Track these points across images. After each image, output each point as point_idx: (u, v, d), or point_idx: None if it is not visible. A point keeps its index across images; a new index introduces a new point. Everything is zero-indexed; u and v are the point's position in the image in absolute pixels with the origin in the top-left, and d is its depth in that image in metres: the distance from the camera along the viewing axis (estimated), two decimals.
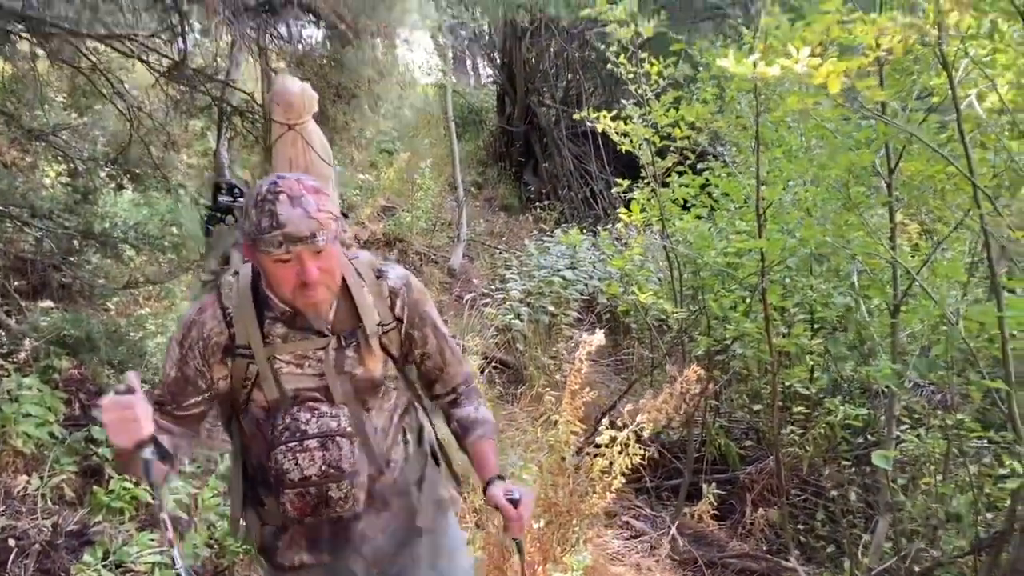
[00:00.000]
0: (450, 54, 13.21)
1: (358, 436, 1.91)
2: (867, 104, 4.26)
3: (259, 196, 1.74)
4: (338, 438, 1.87)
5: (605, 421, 3.39)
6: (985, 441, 4.37)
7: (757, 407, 5.64)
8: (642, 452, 3.25)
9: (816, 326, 5.32)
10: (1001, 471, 4.14)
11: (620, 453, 3.20)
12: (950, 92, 3.91)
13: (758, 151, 4.51)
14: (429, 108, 13.12)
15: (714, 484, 4.95)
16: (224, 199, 2.24)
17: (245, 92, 4.82)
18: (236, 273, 1.93)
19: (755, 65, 3.46)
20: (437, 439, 2.19)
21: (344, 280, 1.90)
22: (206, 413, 1.95)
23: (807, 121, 4.95)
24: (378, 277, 1.97)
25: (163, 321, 4.98)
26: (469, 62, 15.74)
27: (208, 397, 1.91)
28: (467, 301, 7.88)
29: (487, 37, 13.38)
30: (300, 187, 1.74)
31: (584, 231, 8.43)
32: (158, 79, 4.45)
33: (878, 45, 3.78)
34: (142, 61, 4.43)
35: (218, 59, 5.17)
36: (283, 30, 4.46)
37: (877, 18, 3.76)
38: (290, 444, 1.85)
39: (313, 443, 1.85)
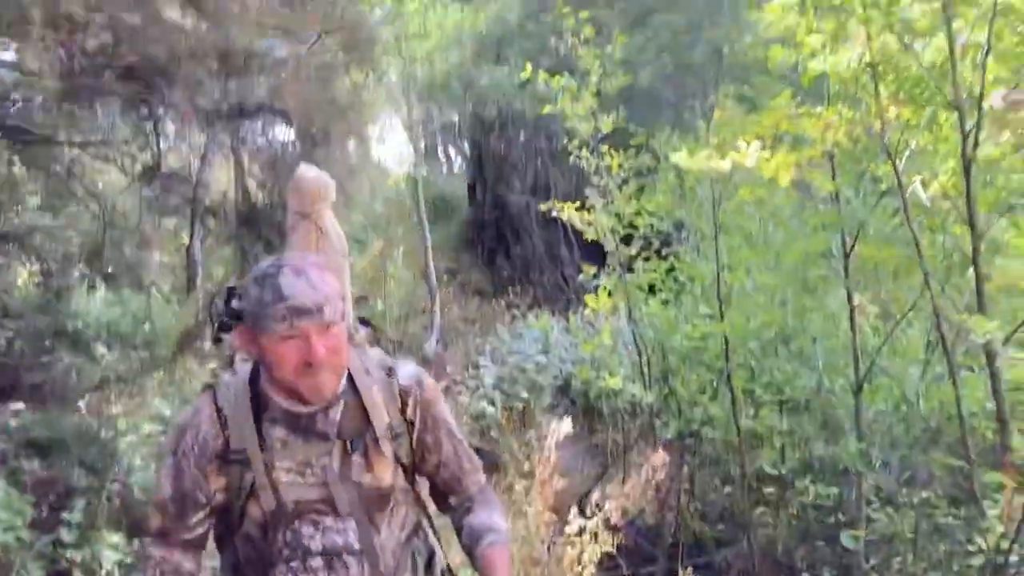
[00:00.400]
0: (422, 145, 13.50)
1: (367, 555, 1.71)
2: (819, 192, 4.45)
3: (260, 273, 1.62)
4: (346, 556, 1.68)
5: (574, 509, 3.43)
6: (951, 518, 4.42)
7: (729, 489, 5.67)
8: (612, 540, 3.27)
9: (786, 407, 5.40)
10: (970, 547, 4.19)
11: (590, 541, 3.22)
12: (896, 180, 4.10)
13: (717, 238, 4.66)
14: (401, 197, 13.32)
15: (690, 569, 4.92)
16: (238, 305, 2.07)
17: (216, 192, 4.94)
18: (235, 372, 1.76)
19: (708, 159, 3.63)
20: (448, 566, 1.97)
21: (351, 377, 1.73)
22: (208, 535, 1.75)
23: (764, 209, 5.13)
24: (388, 375, 1.78)
25: (135, 420, 4.97)
26: (441, 151, 16.06)
27: (209, 514, 1.71)
28: (441, 389, 7.90)
29: (457, 128, 13.72)
30: (305, 263, 1.63)
31: (556, 315, 8.55)
32: (132, 182, 4.56)
33: (825, 138, 3.98)
34: (116, 165, 4.55)
35: (192, 160, 5.30)
36: (255, 133, 4.60)
37: (823, 112, 3.97)
38: (291, 563, 1.67)
39: (317, 562, 1.67)
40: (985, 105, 3.68)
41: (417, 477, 1.88)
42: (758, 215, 5.37)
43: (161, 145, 4.62)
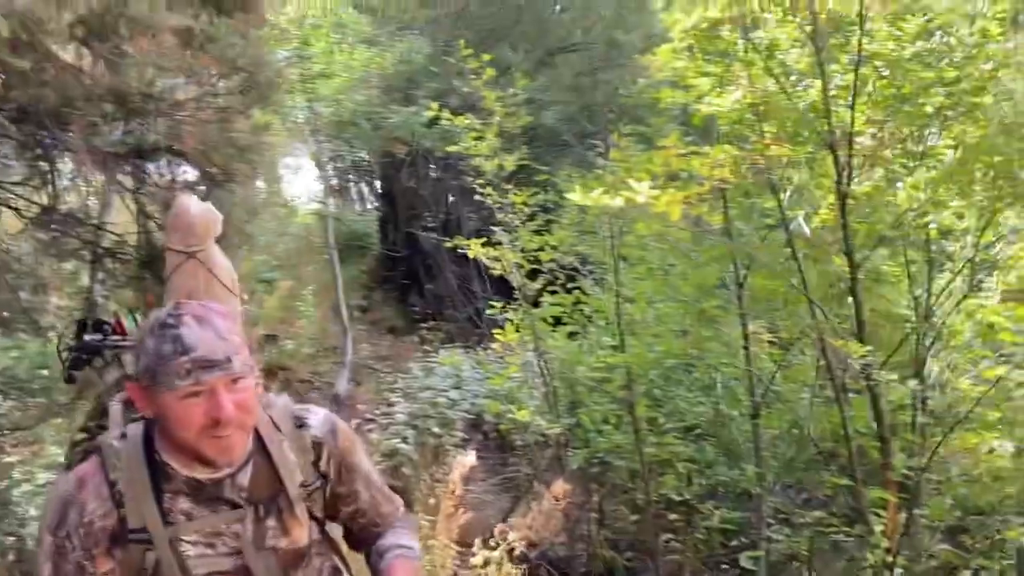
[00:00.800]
0: (332, 182, 13.47)
1: None
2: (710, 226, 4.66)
3: (157, 322, 1.45)
4: None
5: (478, 542, 3.48)
6: (844, 535, 4.63)
7: (637, 517, 5.79)
8: (518, 571, 3.33)
9: (690, 433, 5.57)
10: (863, 563, 4.39)
11: (496, 573, 3.27)
12: (781, 214, 4.33)
13: (616, 271, 4.82)
14: (311, 235, 13.24)
15: None
16: (91, 338, 1.90)
17: (116, 234, 4.86)
18: (123, 435, 1.55)
19: (602, 196, 3.77)
20: None
21: (258, 434, 1.57)
22: None
23: (663, 242, 5.33)
24: (299, 427, 1.63)
25: (30, 469, 4.81)
26: (351, 189, 16.04)
27: None
28: (352, 427, 7.84)
29: (367, 166, 13.74)
30: (206, 310, 1.48)
31: (469, 350, 8.60)
32: (27, 224, 4.45)
33: (714, 175, 4.18)
34: (10, 208, 4.43)
35: (91, 200, 5.19)
36: (155, 174, 4.55)
37: (711, 151, 4.18)
38: None
39: None
40: (857, 143, 3.95)
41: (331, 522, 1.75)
42: (658, 248, 5.57)
43: (58, 187, 4.52)
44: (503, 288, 9.96)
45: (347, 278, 11.99)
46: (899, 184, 4.08)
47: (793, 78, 4.21)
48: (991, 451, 3.75)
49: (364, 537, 1.77)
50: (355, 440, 1.72)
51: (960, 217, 4.42)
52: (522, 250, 5.59)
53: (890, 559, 3.74)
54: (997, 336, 3.41)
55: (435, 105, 6.06)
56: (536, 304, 5.92)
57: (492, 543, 3.40)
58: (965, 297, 4.24)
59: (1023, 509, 3.67)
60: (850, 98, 3.81)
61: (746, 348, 4.77)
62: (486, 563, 3.32)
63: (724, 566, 5.34)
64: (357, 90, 9.39)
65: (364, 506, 1.72)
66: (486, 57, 5.59)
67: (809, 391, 4.73)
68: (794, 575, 4.90)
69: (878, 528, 3.94)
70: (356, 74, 9.26)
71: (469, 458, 3.51)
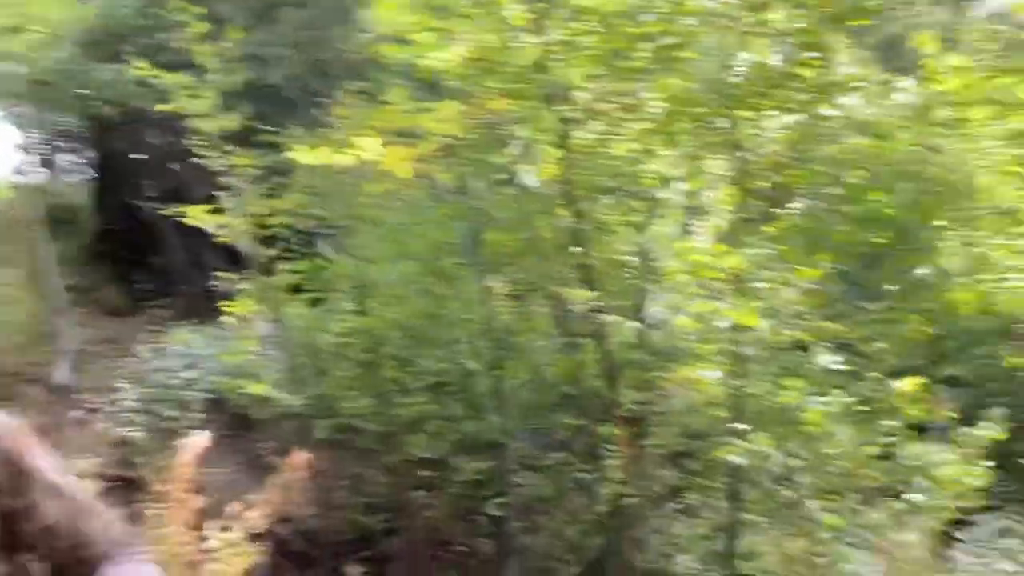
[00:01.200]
0: (35, 151, 12.15)
1: None
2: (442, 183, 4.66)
3: None
4: None
5: (214, 525, 3.29)
6: (587, 474, 4.89)
7: (388, 479, 5.78)
8: (257, 549, 3.19)
9: (439, 391, 5.60)
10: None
11: (233, 556, 3.11)
12: (509, 169, 4.41)
13: (352, 233, 4.72)
14: (13, 211, 11.91)
15: (358, 564, 4.95)
16: None
17: None
18: None
19: (329, 155, 3.65)
20: None
21: None
22: None
23: (397, 201, 5.28)
24: None
25: None
26: (60, 157, 14.55)
27: None
28: (73, 420, 7.19)
29: (75, 130, 12.51)
30: None
31: (204, 326, 8.12)
32: None
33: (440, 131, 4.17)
34: None
35: None
36: None
37: (437, 107, 4.16)
38: None
39: None
40: (576, 97, 4.09)
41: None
42: (394, 208, 5.50)
43: None
44: (237, 259, 9.48)
45: (60, 256, 10.95)
46: (616, 136, 4.28)
47: (513, 33, 4.26)
48: (702, 381, 4.07)
49: (66, 562, 1.40)
50: (30, 441, 1.32)
51: (672, 166, 4.72)
52: (251, 216, 5.32)
53: (624, 489, 3.98)
54: (704, 275, 3.68)
55: (144, 62, 5.58)
56: (272, 272, 5.66)
57: (229, 524, 3.23)
58: (678, 241, 4.55)
59: (733, 430, 4.02)
60: (567, 53, 3.92)
61: (485, 303, 4.85)
62: (222, 546, 3.15)
63: (476, 516, 5.46)
64: (55, 47, 8.44)
65: (57, 523, 1.29)
66: (197, 10, 5.19)
67: (547, 339, 4.91)
68: (541, 515, 5.11)
69: (612, 462, 4.18)
70: (53, 29, 8.31)
71: (201, 438, 3.29)
